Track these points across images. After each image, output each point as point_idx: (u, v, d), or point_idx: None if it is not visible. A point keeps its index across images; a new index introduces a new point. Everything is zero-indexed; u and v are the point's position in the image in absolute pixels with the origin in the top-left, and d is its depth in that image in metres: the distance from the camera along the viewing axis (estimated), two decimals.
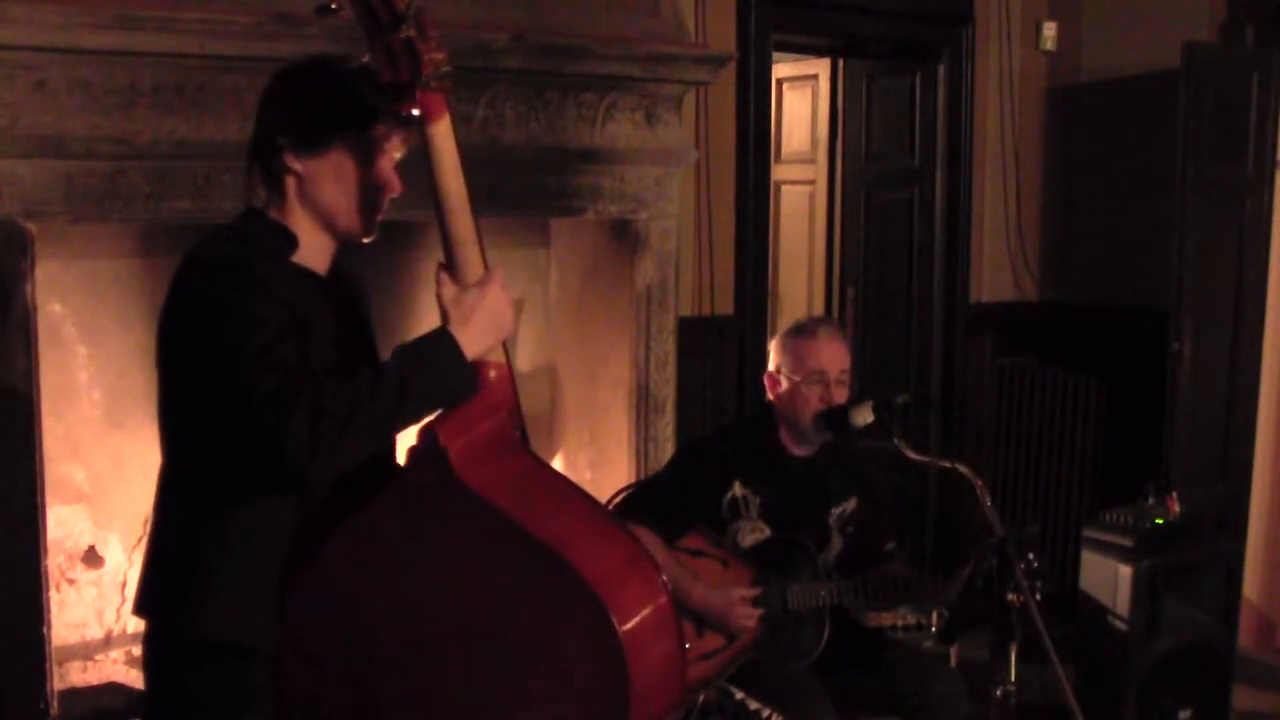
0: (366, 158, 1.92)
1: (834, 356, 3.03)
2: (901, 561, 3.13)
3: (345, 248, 2.02)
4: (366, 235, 1.98)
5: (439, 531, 1.85)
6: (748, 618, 2.86)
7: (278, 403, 1.71)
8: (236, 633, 1.88)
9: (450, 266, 1.90)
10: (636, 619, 1.78)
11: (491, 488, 1.82)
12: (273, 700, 1.90)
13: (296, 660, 1.89)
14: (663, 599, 1.84)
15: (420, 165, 1.91)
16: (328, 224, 1.95)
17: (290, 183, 1.92)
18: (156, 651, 1.96)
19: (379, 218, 1.97)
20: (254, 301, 1.80)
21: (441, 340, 1.85)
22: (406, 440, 1.90)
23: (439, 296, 1.88)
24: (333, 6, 1.86)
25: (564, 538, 1.80)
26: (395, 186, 1.95)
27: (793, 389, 3.02)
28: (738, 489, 3.01)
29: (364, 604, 1.86)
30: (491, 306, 1.88)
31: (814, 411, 2.99)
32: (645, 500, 2.98)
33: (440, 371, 1.84)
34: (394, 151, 1.95)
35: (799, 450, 3.08)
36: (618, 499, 3.04)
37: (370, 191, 1.93)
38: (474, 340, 1.87)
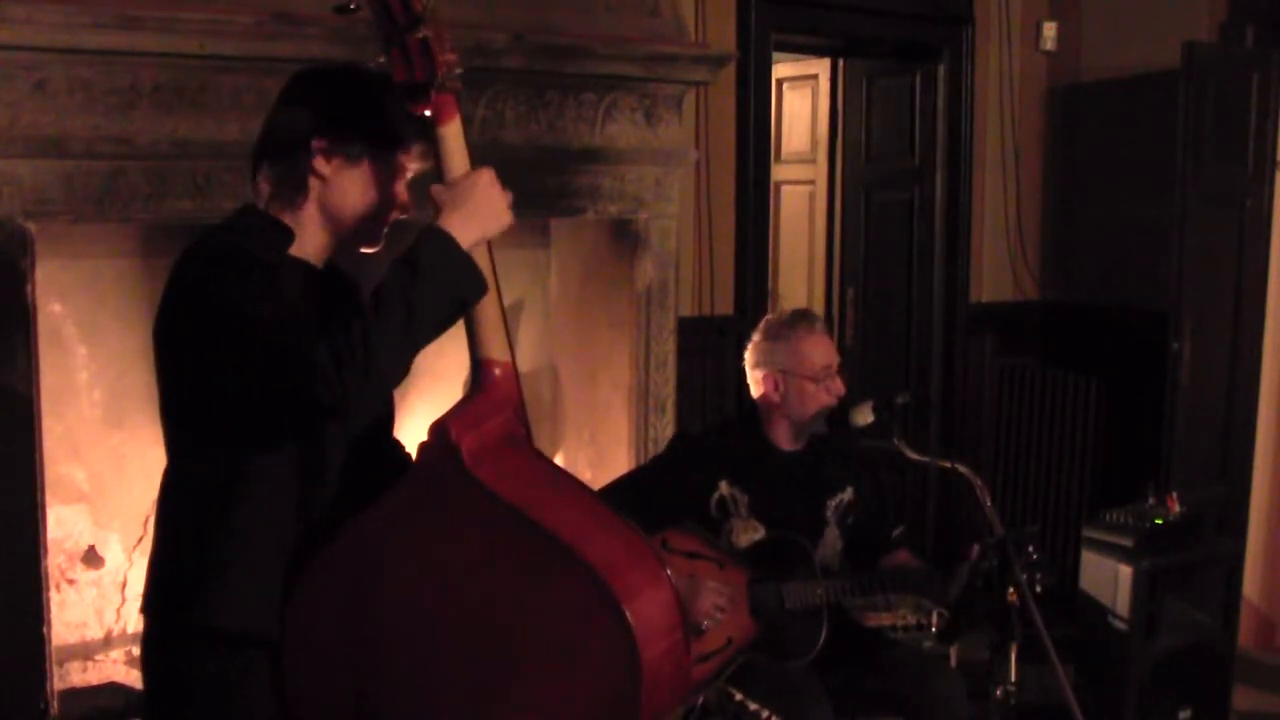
0: (391, 175, 1.94)
1: (830, 350, 3.05)
2: (908, 551, 3.11)
3: (345, 250, 2.02)
4: (372, 245, 1.99)
5: (448, 525, 1.85)
6: (716, 609, 2.81)
7: (297, 353, 1.71)
8: (242, 620, 1.88)
9: None
10: (646, 611, 1.78)
11: (502, 482, 1.82)
12: (275, 697, 1.90)
13: (301, 655, 1.89)
14: (668, 593, 1.85)
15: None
16: (339, 228, 1.95)
17: (314, 185, 1.92)
18: (158, 649, 1.96)
19: (386, 231, 1.98)
20: (254, 278, 1.81)
21: (431, 235, 1.82)
22: (411, 441, 1.90)
23: (430, 194, 1.86)
24: (351, 7, 1.86)
25: (573, 531, 1.80)
26: (410, 208, 1.97)
27: (800, 386, 3.01)
28: (724, 488, 3.00)
29: (371, 598, 1.86)
30: (482, 191, 1.86)
31: (821, 406, 3.00)
32: (625, 492, 2.96)
33: (438, 267, 1.79)
34: (410, 172, 1.96)
35: (788, 445, 3.08)
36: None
37: (386, 207, 1.95)
38: (467, 227, 1.83)
